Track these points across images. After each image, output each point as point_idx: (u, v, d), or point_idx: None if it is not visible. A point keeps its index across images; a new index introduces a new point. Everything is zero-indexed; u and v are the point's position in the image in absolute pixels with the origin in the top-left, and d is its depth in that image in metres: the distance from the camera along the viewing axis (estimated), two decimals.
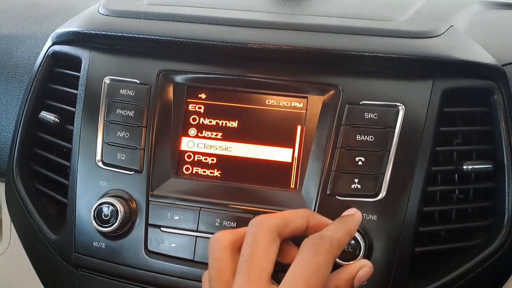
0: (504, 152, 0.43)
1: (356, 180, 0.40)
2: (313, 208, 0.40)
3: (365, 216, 0.40)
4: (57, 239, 0.44)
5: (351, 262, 0.36)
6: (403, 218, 0.40)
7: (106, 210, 0.40)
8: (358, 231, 0.38)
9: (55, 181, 0.47)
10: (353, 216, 0.36)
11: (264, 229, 0.32)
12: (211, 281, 0.32)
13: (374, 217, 0.39)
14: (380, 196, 0.40)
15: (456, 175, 0.44)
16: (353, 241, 0.38)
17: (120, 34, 0.45)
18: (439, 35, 0.44)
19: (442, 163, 0.44)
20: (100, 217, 0.40)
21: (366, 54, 0.41)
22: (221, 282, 0.32)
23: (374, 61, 0.42)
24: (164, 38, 0.44)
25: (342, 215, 0.36)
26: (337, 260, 0.37)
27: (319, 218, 0.35)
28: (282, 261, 0.34)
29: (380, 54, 0.41)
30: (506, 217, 0.42)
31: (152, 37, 0.44)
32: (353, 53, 0.41)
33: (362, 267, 0.34)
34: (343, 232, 0.33)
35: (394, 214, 0.40)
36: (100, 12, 0.48)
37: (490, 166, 0.43)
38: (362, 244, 0.38)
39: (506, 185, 0.43)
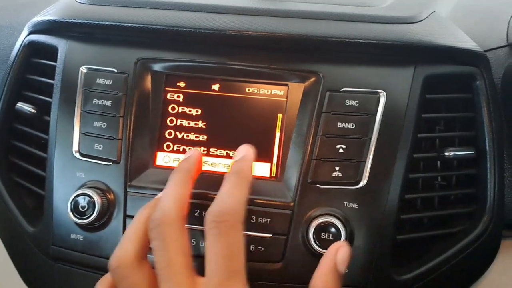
0: (486, 138, 0.43)
1: (337, 168, 0.39)
2: (293, 197, 0.39)
3: (346, 204, 0.39)
4: (34, 232, 0.43)
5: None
6: (385, 206, 0.39)
7: (82, 201, 0.39)
8: (339, 219, 0.38)
9: (33, 173, 0.46)
10: (243, 169, 0.35)
11: (166, 225, 0.31)
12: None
13: (355, 205, 0.39)
14: (361, 184, 0.39)
15: (438, 162, 0.44)
16: (333, 229, 0.37)
17: (96, 22, 0.44)
18: (421, 21, 0.43)
19: (424, 150, 0.44)
20: (77, 208, 0.39)
21: (347, 40, 0.41)
22: None
23: (355, 48, 0.41)
24: (141, 25, 0.42)
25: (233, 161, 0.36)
26: (318, 248, 0.37)
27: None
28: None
29: (360, 40, 0.40)
30: (488, 204, 0.42)
31: (129, 24, 0.43)
32: (333, 39, 0.41)
33: (338, 250, 0.33)
34: (238, 196, 0.32)
35: (375, 201, 0.39)
36: (77, 0, 0.47)
37: (473, 152, 0.43)
38: (343, 232, 0.37)
39: (488, 171, 0.43)
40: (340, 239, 0.37)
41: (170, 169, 0.41)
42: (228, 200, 0.32)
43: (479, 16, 0.51)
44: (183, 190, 0.33)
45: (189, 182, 0.34)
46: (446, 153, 0.42)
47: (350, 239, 0.38)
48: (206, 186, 0.40)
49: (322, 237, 0.37)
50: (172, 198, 0.32)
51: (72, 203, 0.39)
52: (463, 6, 0.53)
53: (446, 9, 0.50)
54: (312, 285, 0.32)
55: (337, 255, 0.33)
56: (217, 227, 0.30)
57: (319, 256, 0.35)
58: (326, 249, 0.37)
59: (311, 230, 0.37)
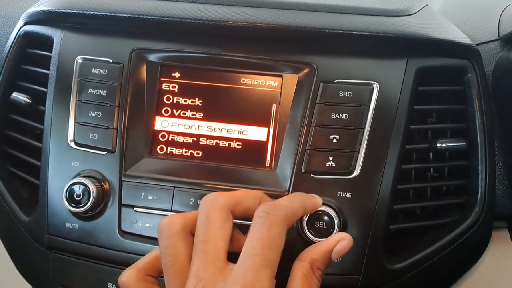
0: (478, 130, 0.43)
1: (331, 158, 0.40)
2: (288, 187, 0.40)
3: (340, 193, 0.40)
4: (29, 221, 0.43)
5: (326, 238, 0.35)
6: (377, 196, 0.40)
7: (77, 190, 0.39)
8: (332, 208, 0.38)
9: (28, 163, 0.46)
10: (312, 196, 0.36)
11: (216, 208, 0.32)
12: (166, 268, 0.31)
13: (349, 195, 0.40)
14: (354, 174, 0.40)
15: (430, 153, 0.45)
16: (327, 218, 0.38)
17: (92, 13, 0.44)
18: (413, 14, 0.44)
19: (416, 141, 0.44)
20: (72, 197, 0.39)
21: (340, 32, 0.41)
22: (177, 268, 0.31)
23: (348, 39, 0.41)
24: (137, 16, 0.43)
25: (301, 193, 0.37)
26: (311, 236, 0.38)
27: (270, 200, 0.35)
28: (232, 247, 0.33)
29: (353, 32, 0.41)
30: (479, 195, 0.43)
31: (125, 15, 0.43)
32: (327, 31, 0.41)
33: (340, 240, 0.34)
34: (298, 204, 0.33)
35: (368, 191, 0.40)
36: None
37: (464, 144, 0.43)
38: (336, 221, 0.38)
39: (479, 162, 0.43)
40: (333, 227, 0.38)
41: (165, 158, 0.42)
42: (285, 202, 0.33)
43: (471, 10, 0.52)
44: (252, 200, 0.34)
45: (257, 200, 0.34)
46: (438, 145, 0.43)
47: (343, 228, 0.39)
48: (200, 176, 0.41)
49: (316, 225, 0.37)
50: (234, 194, 0.33)
51: (67, 191, 0.40)
52: (455, 0, 0.53)
53: (438, 3, 0.51)
54: (301, 257, 0.33)
55: (338, 244, 0.34)
56: (266, 217, 0.31)
57: (310, 243, 0.36)
58: (319, 237, 0.37)
59: (305, 219, 0.38)
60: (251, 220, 0.32)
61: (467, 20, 0.50)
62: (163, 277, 0.32)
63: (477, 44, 0.47)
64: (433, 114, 0.45)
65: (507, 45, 0.48)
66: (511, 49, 0.47)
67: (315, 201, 0.37)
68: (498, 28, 0.50)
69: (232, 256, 0.31)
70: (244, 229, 0.33)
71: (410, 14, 0.44)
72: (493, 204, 0.44)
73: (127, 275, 0.33)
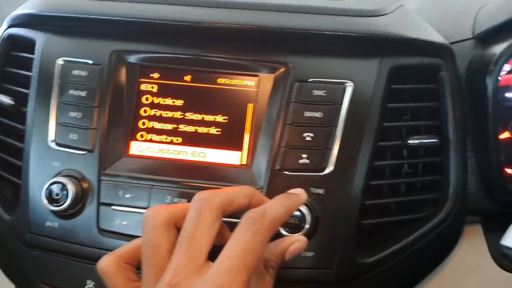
0: (450, 127, 0.45)
1: (305, 156, 0.41)
2: (262, 183, 0.41)
3: (313, 190, 0.40)
4: (11, 220, 0.44)
5: (289, 235, 0.36)
6: (350, 192, 0.41)
7: (56, 189, 0.40)
8: (305, 204, 0.39)
9: (10, 163, 0.46)
10: (298, 195, 0.36)
11: (209, 207, 0.32)
12: (145, 258, 0.31)
13: (322, 191, 0.40)
14: (327, 171, 0.41)
15: (405, 150, 0.45)
16: (299, 213, 0.39)
17: (73, 16, 0.45)
18: (387, 14, 0.45)
19: (391, 138, 0.45)
20: (51, 196, 0.40)
21: (314, 32, 0.42)
22: (157, 259, 0.31)
23: (322, 39, 0.42)
24: (116, 18, 0.44)
25: (288, 191, 0.37)
26: (283, 232, 0.39)
27: (261, 197, 0.35)
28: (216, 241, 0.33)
29: (327, 32, 0.42)
30: (451, 191, 0.44)
31: (104, 17, 0.44)
32: (302, 31, 0.42)
33: (294, 242, 0.35)
34: (283, 209, 0.34)
35: (341, 188, 0.41)
36: None
37: (436, 140, 0.44)
38: (308, 217, 0.39)
39: (451, 159, 0.44)
40: (305, 223, 0.39)
41: (144, 158, 0.43)
42: (273, 210, 0.33)
43: (447, 10, 0.53)
44: (243, 198, 0.34)
45: (249, 198, 0.35)
46: (410, 141, 0.44)
47: (315, 223, 0.40)
48: (177, 174, 0.42)
49: (287, 220, 0.38)
50: (227, 194, 0.33)
51: (47, 191, 0.41)
52: (431, 1, 0.54)
53: (414, 3, 0.52)
54: None
55: (292, 246, 0.35)
56: (252, 223, 0.31)
57: (279, 237, 0.37)
58: (292, 232, 0.38)
59: None
60: (240, 218, 0.32)
61: (443, 19, 0.51)
62: (139, 271, 0.33)
63: (451, 43, 0.48)
64: (407, 111, 0.46)
65: (480, 44, 0.49)
66: (485, 47, 0.48)
67: (301, 199, 0.37)
68: (473, 27, 0.51)
69: (213, 252, 0.32)
70: (233, 227, 0.33)
71: (384, 14, 0.45)
72: (464, 199, 0.45)
73: (106, 261, 0.34)
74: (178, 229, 0.33)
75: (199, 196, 0.33)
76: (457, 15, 0.52)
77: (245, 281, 0.29)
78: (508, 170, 0.55)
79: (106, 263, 0.33)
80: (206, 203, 0.32)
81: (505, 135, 0.56)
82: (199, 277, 0.29)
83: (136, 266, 0.34)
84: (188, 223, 0.31)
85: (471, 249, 0.47)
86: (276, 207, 0.33)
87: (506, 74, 0.55)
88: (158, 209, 0.33)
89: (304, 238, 0.36)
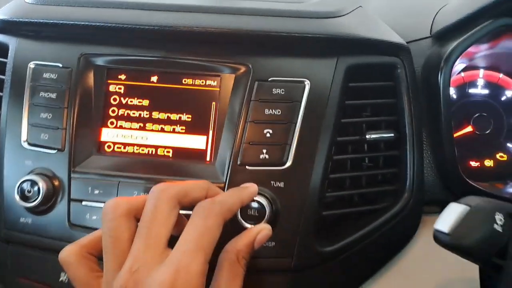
0: (406, 122, 0.47)
1: (265, 151, 0.43)
2: (225, 178, 0.43)
3: (273, 183, 0.43)
4: None
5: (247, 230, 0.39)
6: (309, 185, 0.43)
7: (28, 186, 0.42)
8: (265, 196, 0.41)
9: None
10: (247, 187, 0.39)
11: (165, 197, 0.34)
12: (106, 248, 0.33)
13: (281, 184, 0.42)
14: (286, 165, 0.43)
15: (365, 145, 0.48)
16: (258, 205, 0.41)
17: (43, 21, 0.47)
18: (345, 15, 0.47)
19: (352, 134, 0.47)
20: (23, 193, 0.42)
21: (272, 34, 0.44)
22: (117, 250, 0.32)
23: (281, 41, 0.44)
24: (84, 23, 0.45)
25: (240, 186, 0.39)
26: (244, 222, 0.41)
27: (217, 191, 0.38)
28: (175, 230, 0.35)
29: (284, 34, 0.44)
30: (408, 182, 0.46)
31: (73, 22, 0.46)
32: (260, 33, 0.44)
33: (260, 231, 0.38)
34: (234, 199, 0.36)
35: (300, 181, 0.43)
36: (26, 1, 0.50)
37: (392, 135, 0.47)
38: (268, 209, 0.41)
39: (408, 152, 0.46)
40: (265, 214, 0.41)
41: (112, 156, 0.45)
42: (221, 198, 0.36)
43: (406, 11, 0.55)
44: (199, 191, 0.36)
45: (205, 190, 0.37)
46: (367, 136, 0.46)
47: (275, 214, 0.42)
48: (144, 170, 0.43)
49: (248, 213, 0.40)
50: (183, 186, 0.35)
51: (19, 188, 0.42)
52: (390, 2, 0.57)
53: (374, 4, 0.54)
54: (227, 249, 0.36)
55: (258, 235, 0.38)
56: (203, 211, 0.34)
57: (242, 230, 0.39)
58: (254, 224, 0.40)
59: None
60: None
61: (402, 19, 0.53)
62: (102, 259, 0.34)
63: (409, 42, 0.50)
64: (367, 108, 0.48)
65: (437, 42, 0.51)
66: (441, 45, 0.50)
67: (251, 190, 0.40)
68: (431, 27, 0.53)
69: (173, 241, 0.33)
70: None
71: (342, 16, 0.47)
72: (421, 190, 0.47)
73: (68, 250, 0.35)
74: (138, 220, 0.34)
75: (156, 187, 0.34)
76: (417, 15, 0.55)
77: (203, 262, 0.32)
78: (472, 163, 0.58)
79: (68, 253, 0.35)
80: (163, 194, 0.34)
81: (468, 129, 0.58)
82: (159, 262, 0.31)
83: (98, 256, 0.36)
84: (146, 213, 0.33)
85: (431, 237, 0.49)
86: (226, 196, 0.36)
87: (468, 71, 0.58)
88: (118, 200, 0.34)
89: (268, 226, 0.39)
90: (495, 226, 0.29)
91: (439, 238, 0.30)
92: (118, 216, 0.33)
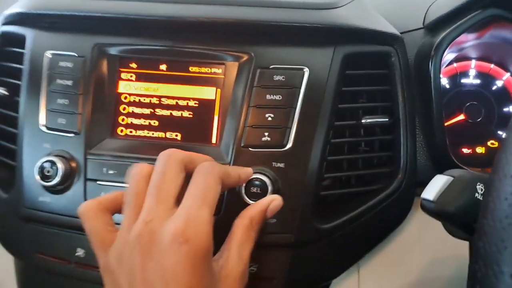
0: (400, 107, 0.50)
1: (266, 134, 0.46)
2: (229, 159, 0.46)
3: (274, 164, 0.46)
4: (7, 197, 0.49)
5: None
6: (308, 166, 0.46)
7: (48, 166, 0.45)
8: (267, 176, 0.44)
9: (6, 148, 0.52)
10: (245, 168, 0.43)
11: (172, 160, 0.37)
12: (128, 202, 0.36)
13: (282, 165, 0.45)
14: (287, 147, 0.46)
15: (362, 129, 0.51)
16: (261, 184, 0.43)
17: (58, 13, 0.50)
18: (341, 6, 0.50)
19: (349, 119, 0.50)
20: (43, 173, 0.45)
21: (274, 24, 0.47)
22: (137, 203, 0.36)
23: (282, 30, 0.47)
24: (97, 14, 0.49)
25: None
26: (248, 200, 0.44)
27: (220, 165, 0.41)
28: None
29: (285, 24, 0.47)
30: (401, 164, 0.49)
31: (87, 14, 0.49)
32: (263, 23, 0.47)
33: (273, 201, 0.41)
34: (233, 169, 0.40)
35: (299, 162, 0.46)
36: None
37: (387, 119, 0.49)
38: (270, 187, 0.44)
39: (402, 136, 0.49)
40: (267, 192, 0.44)
41: (125, 139, 0.48)
42: (220, 166, 0.39)
43: (400, 3, 0.58)
44: (204, 160, 0.39)
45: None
46: (363, 121, 0.49)
47: (277, 193, 0.45)
48: (154, 152, 0.46)
49: (251, 190, 0.43)
50: (189, 154, 0.39)
51: (39, 168, 0.46)
52: None
53: None
54: (242, 215, 0.40)
55: (270, 204, 0.41)
56: (204, 170, 0.37)
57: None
58: (255, 200, 0.43)
59: (243, 186, 0.44)
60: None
61: (397, 10, 0.56)
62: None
63: (402, 32, 0.53)
64: (363, 94, 0.51)
65: (429, 33, 0.54)
66: (433, 36, 0.53)
67: (247, 170, 0.43)
68: (424, 18, 0.56)
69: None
70: None
71: (339, 7, 0.50)
72: (414, 172, 0.50)
73: (87, 204, 0.38)
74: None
75: (164, 153, 0.38)
76: (411, 7, 0.57)
77: (209, 213, 0.35)
78: (465, 150, 0.61)
79: (86, 207, 0.38)
80: (170, 157, 0.37)
81: (460, 117, 0.61)
82: (170, 215, 0.34)
83: (113, 213, 0.39)
84: (155, 174, 0.37)
85: (423, 218, 0.52)
86: (223, 166, 0.39)
87: (460, 61, 0.61)
88: (141, 165, 0.38)
89: (279, 197, 0.42)
90: (476, 195, 0.32)
91: (425, 205, 0.33)
92: (142, 177, 0.37)
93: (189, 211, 0.34)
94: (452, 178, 0.33)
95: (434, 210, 0.32)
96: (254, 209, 0.40)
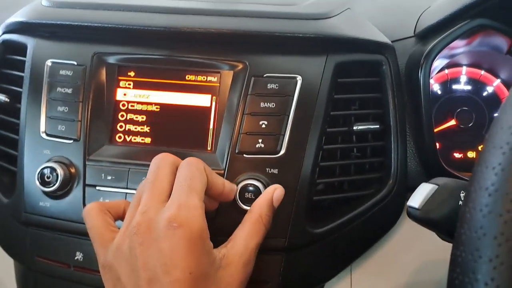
0: (391, 115, 0.51)
1: (260, 140, 0.47)
2: (224, 165, 0.47)
3: (268, 170, 0.47)
4: (9, 202, 0.51)
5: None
6: (301, 171, 0.47)
7: (48, 172, 0.47)
8: (261, 182, 0.46)
9: (7, 154, 0.53)
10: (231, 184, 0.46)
11: (164, 162, 0.41)
12: (147, 183, 0.40)
13: (275, 171, 0.47)
14: (280, 153, 0.47)
15: (354, 136, 0.52)
16: (254, 189, 0.45)
17: (59, 23, 0.51)
18: (334, 16, 0.51)
19: (340, 125, 0.51)
20: (43, 179, 0.47)
21: (268, 34, 0.48)
22: (138, 204, 0.39)
23: (275, 40, 0.49)
24: (96, 25, 0.50)
25: None
26: (242, 205, 0.45)
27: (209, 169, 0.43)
28: None
29: (278, 34, 0.48)
30: (392, 170, 0.50)
31: (87, 24, 0.50)
32: (257, 33, 0.49)
33: (275, 190, 0.44)
34: (219, 177, 0.43)
35: (292, 168, 0.47)
36: (43, 4, 0.54)
37: (377, 126, 0.51)
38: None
39: (393, 142, 0.51)
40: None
41: (123, 145, 0.50)
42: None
43: (392, 12, 0.60)
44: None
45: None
46: (354, 127, 0.50)
47: None
48: (151, 159, 0.48)
49: (245, 196, 0.45)
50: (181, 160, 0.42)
51: (39, 174, 0.47)
52: (378, 4, 0.61)
53: (362, 7, 0.58)
54: (251, 209, 0.42)
55: (274, 194, 0.44)
56: (184, 164, 0.41)
57: (244, 212, 0.43)
58: (249, 205, 0.45)
59: (237, 192, 0.45)
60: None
61: (388, 20, 0.58)
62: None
63: (394, 41, 0.55)
64: (355, 102, 0.53)
65: (420, 41, 0.56)
66: (424, 44, 0.54)
67: (232, 184, 0.45)
68: (415, 27, 0.58)
69: None
70: None
71: (331, 17, 0.51)
72: (405, 178, 0.51)
73: (91, 205, 0.42)
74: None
75: (157, 156, 0.42)
76: (402, 16, 0.59)
77: (198, 199, 0.38)
78: (456, 155, 0.62)
79: (90, 206, 0.41)
80: (162, 160, 0.41)
81: (451, 122, 0.63)
82: (164, 206, 0.38)
83: (116, 219, 0.42)
84: (149, 174, 0.40)
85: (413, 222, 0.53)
86: (210, 170, 0.42)
87: (452, 68, 0.62)
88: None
89: (280, 186, 0.44)
90: (460, 202, 0.34)
91: (411, 212, 0.35)
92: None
93: (179, 199, 0.37)
94: (436, 187, 0.34)
95: (419, 217, 0.34)
96: (261, 201, 0.43)
